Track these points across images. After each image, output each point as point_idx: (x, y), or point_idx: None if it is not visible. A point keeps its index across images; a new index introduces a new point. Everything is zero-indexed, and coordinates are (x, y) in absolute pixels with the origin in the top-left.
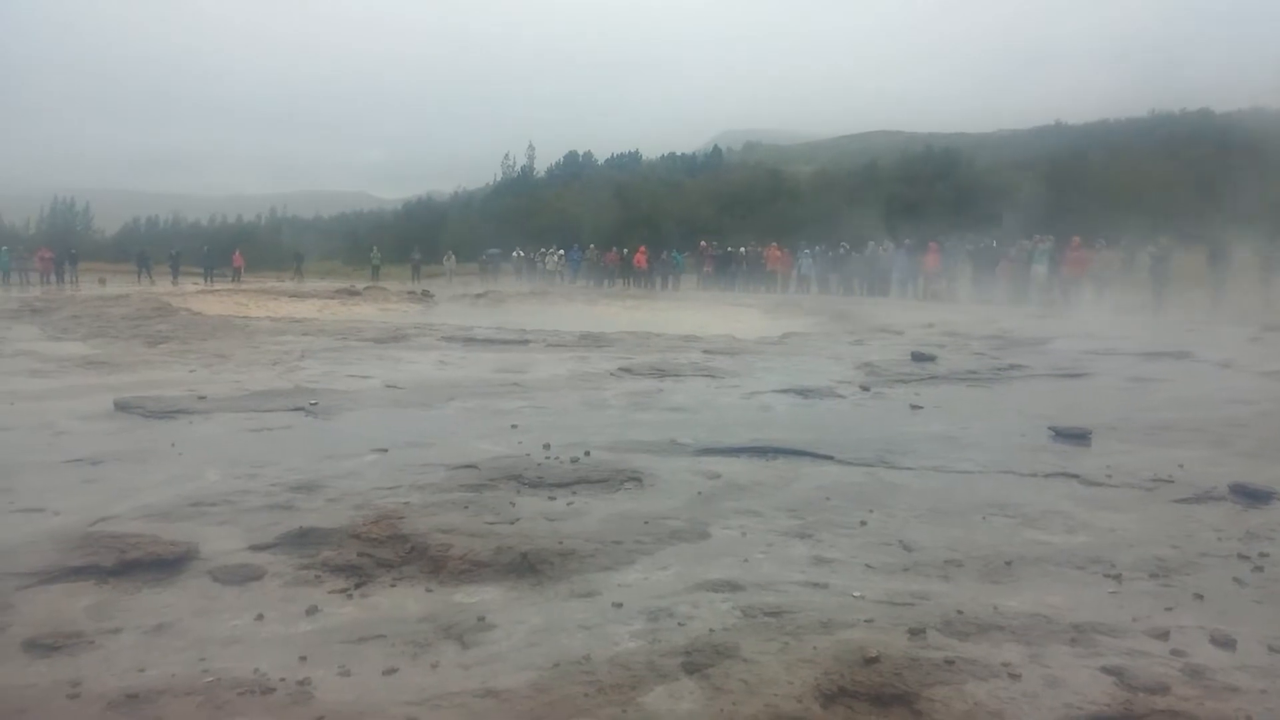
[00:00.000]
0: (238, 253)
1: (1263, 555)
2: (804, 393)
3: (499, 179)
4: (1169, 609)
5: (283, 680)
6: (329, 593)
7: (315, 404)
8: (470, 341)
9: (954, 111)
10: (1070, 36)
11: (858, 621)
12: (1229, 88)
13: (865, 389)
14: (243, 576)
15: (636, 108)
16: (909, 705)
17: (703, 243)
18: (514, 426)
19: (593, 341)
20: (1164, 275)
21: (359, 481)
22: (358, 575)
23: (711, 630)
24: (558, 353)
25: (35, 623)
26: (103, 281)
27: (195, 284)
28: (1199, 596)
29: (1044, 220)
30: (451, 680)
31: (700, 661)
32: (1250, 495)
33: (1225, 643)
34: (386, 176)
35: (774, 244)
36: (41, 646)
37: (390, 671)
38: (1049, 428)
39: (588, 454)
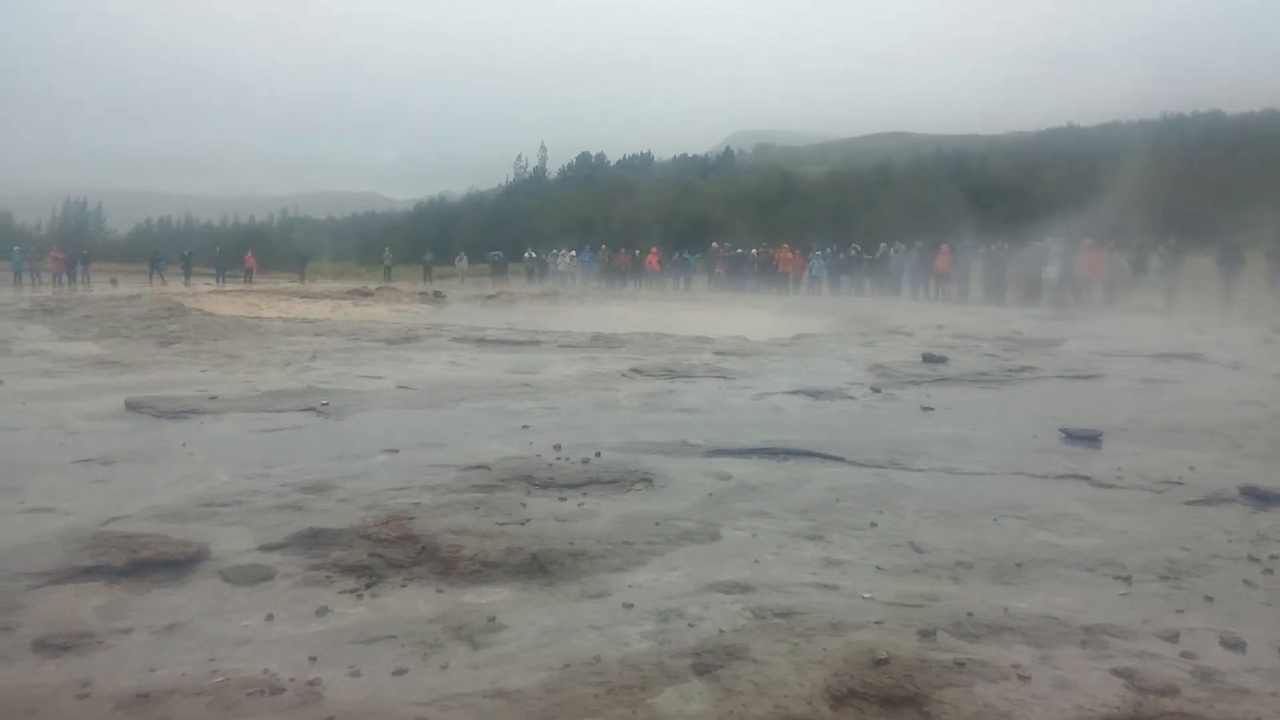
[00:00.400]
0: (250, 253)
1: (1273, 558)
2: (815, 394)
3: (511, 180)
4: (1179, 611)
5: (293, 680)
6: (339, 593)
7: (326, 404)
8: (482, 342)
9: (966, 113)
10: (1083, 39)
11: (868, 623)
12: (1241, 90)
13: (876, 390)
14: (253, 577)
15: (649, 109)
16: (919, 707)
17: (714, 244)
18: (525, 427)
19: (604, 342)
20: (1175, 277)
21: (370, 482)
22: (368, 576)
23: (722, 631)
24: (569, 353)
25: (46, 622)
26: (115, 282)
27: (207, 284)
28: (1209, 599)
29: (1055, 222)
30: (461, 681)
31: (710, 662)
32: (1261, 497)
33: (1235, 645)
34: (399, 177)
35: (785, 245)
36: (52, 646)
37: (400, 672)
38: (1060, 429)
39: (599, 455)
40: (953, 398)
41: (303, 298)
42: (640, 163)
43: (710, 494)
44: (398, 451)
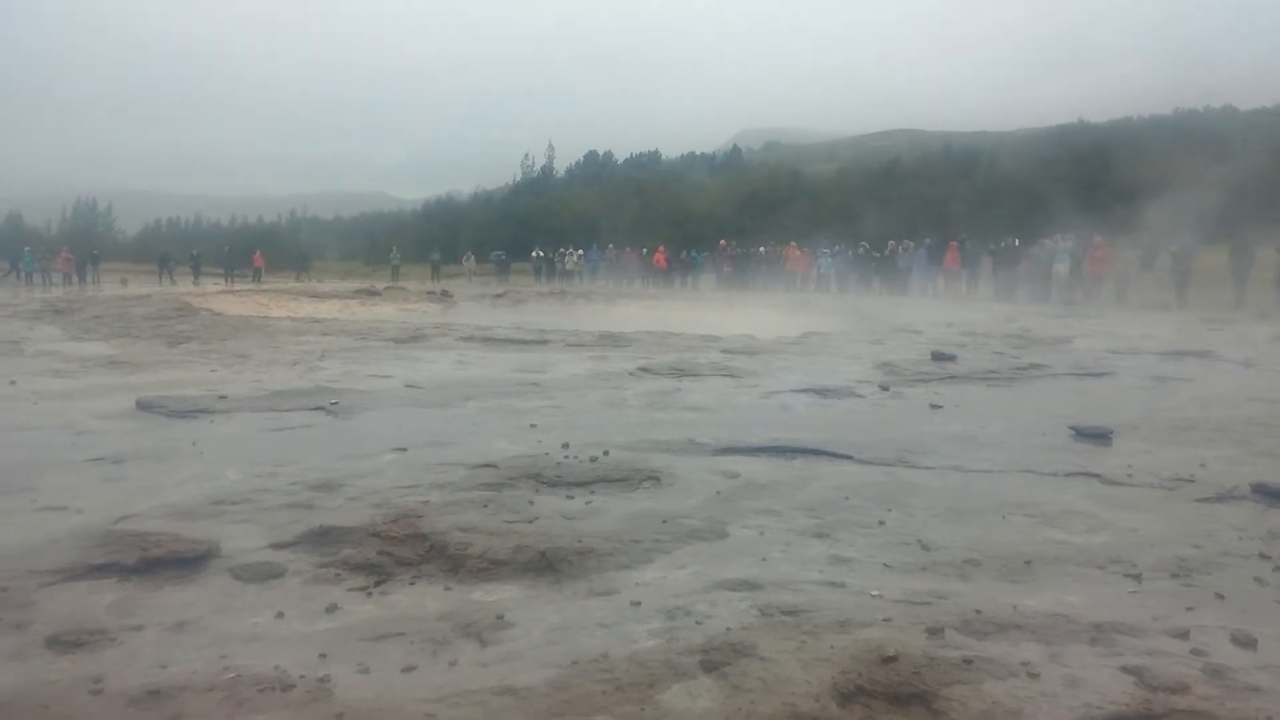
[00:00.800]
0: (258, 253)
1: None
2: (823, 392)
3: (518, 179)
4: (1190, 608)
5: (302, 677)
6: (348, 591)
7: (335, 404)
8: (489, 341)
9: (975, 110)
10: (1094, 34)
11: (875, 620)
12: (1254, 85)
13: (884, 388)
14: (263, 574)
15: (656, 107)
16: (927, 704)
17: (722, 242)
18: (533, 426)
19: (612, 341)
20: (1186, 274)
21: (378, 480)
22: (377, 573)
23: (729, 629)
24: (577, 352)
25: (58, 620)
26: (124, 282)
27: (216, 284)
28: (1220, 596)
29: (1066, 219)
30: (470, 678)
31: (718, 660)
32: (1272, 495)
33: (1246, 642)
34: (406, 177)
35: (793, 243)
36: (64, 643)
37: (409, 669)
38: (1069, 427)
39: (606, 453)
40: (962, 395)
41: (311, 297)
42: (648, 161)
43: (718, 492)
44: (406, 450)
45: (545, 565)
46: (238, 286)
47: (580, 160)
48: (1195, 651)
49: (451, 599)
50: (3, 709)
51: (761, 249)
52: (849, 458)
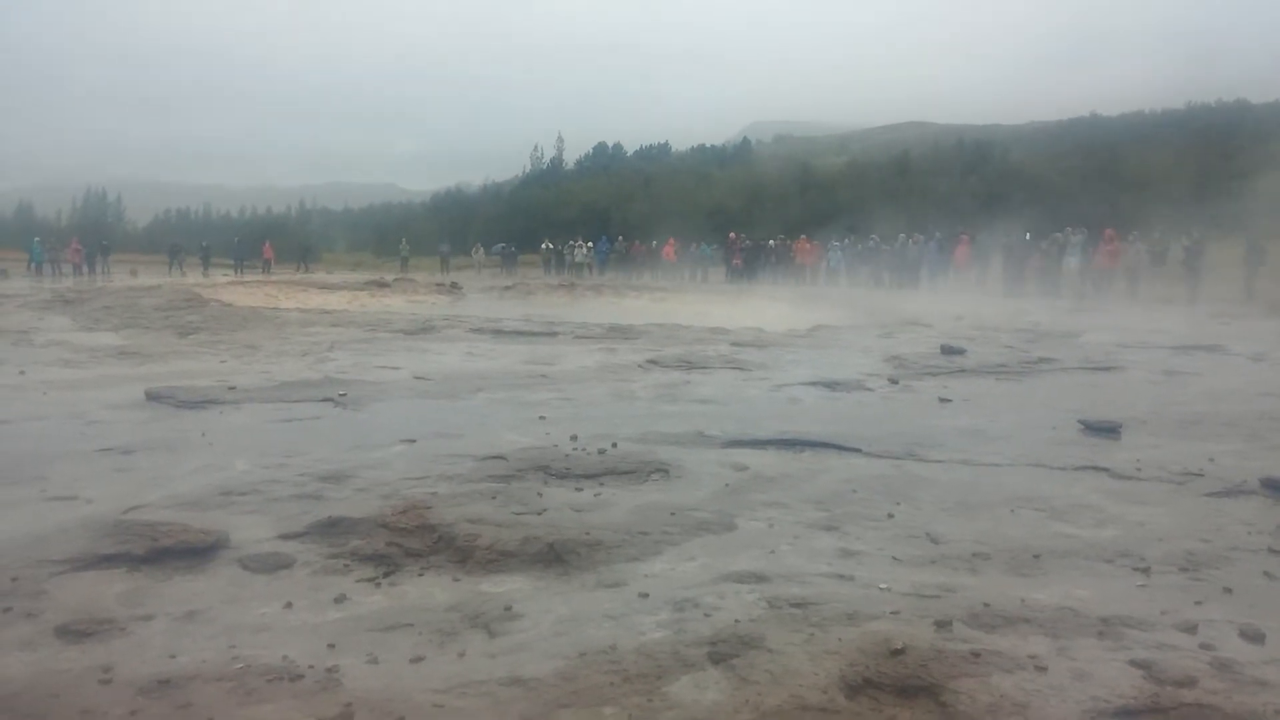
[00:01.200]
0: (268, 244)
1: None
2: (832, 385)
3: (528, 171)
4: (1198, 603)
5: (311, 667)
6: (357, 581)
7: (344, 395)
8: (499, 333)
9: (987, 103)
10: (1106, 27)
11: (883, 613)
12: (1267, 78)
13: (894, 382)
14: (272, 565)
15: (666, 99)
16: (934, 697)
17: (732, 235)
18: (542, 418)
19: (620, 334)
20: (1197, 268)
21: (387, 472)
22: (386, 564)
23: (737, 621)
24: (585, 345)
25: (68, 609)
26: (134, 272)
27: (226, 275)
28: (1228, 590)
29: (1077, 212)
30: (478, 669)
31: (726, 652)
32: None
33: (1254, 636)
34: (416, 168)
35: (803, 236)
36: (74, 633)
37: (417, 660)
38: (1079, 421)
39: (615, 445)
40: (971, 389)
41: (320, 289)
42: (657, 153)
43: (726, 485)
44: (415, 442)
45: (554, 557)
46: (247, 277)
47: (589, 152)
48: (1203, 645)
49: (460, 590)
50: (13, 698)
51: (771, 242)
52: (858, 451)
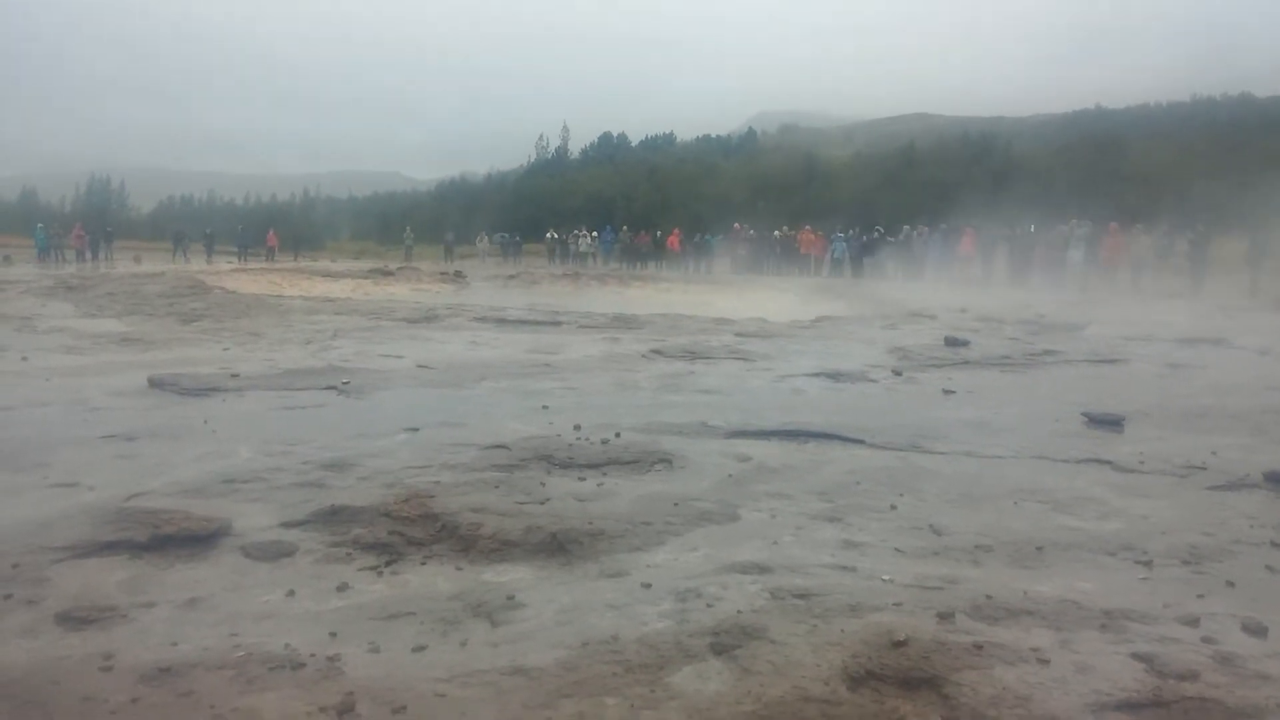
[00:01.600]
0: (272, 232)
1: None
2: (836, 376)
3: (533, 160)
4: (1200, 596)
5: (313, 656)
6: (359, 570)
7: (347, 383)
8: (502, 322)
9: (992, 95)
10: (1112, 20)
11: (886, 605)
12: (1272, 72)
13: (897, 373)
14: (274, 553)
15: (671, 89)
16: (936, 689)
17: (736, 225)
18: (545, 407)
19: (624, 323)
20: (1202, 261)
21: (390, 460)
22: (388, 553)
23: (740, 612)
24: (589, 334)
25: (69, 596)
26: (138, 259)
27: (229, 263)
28: (1231, 584)
29: (1081, 205)
30: (480, 658)
31: (728, 643)
32: None
33: (1257, 630)
34: (420, 157)
35: (808, 227)
36: (75, 620)
37: (420, 649)
38: (1082, 414)
39: (618, 435)
40: (975, 381)
41: (324, 277)
42: (662, 143)
43: (730, 475)
44: (418, 430)
45: (556, 546)
46: (251, 265)
47: (594, 142)
48: (1206, 639)
49: (462, 579)
50: (13, 685)
51: (776, 233)
52: (861, 442)
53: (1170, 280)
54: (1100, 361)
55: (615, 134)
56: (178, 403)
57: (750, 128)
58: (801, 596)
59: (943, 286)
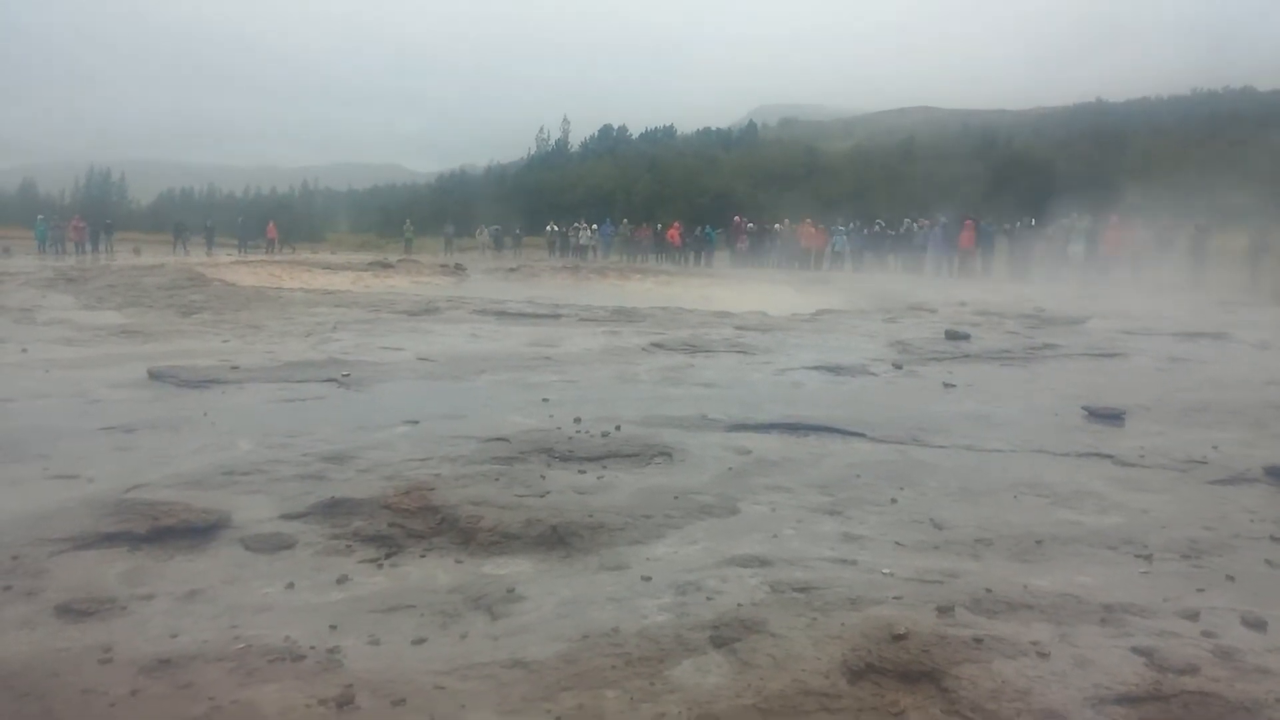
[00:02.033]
0: (272, 224)
1: None
2: (836, 370)
3: (533, 153)
4: (1200, 590)
5: (313, 648)
6: (359, 562)
7: (347, 375)
8: (502, 315)
9: (993, 88)
10: (1114, 13)
11: (886, 598)
12: (1274, 66)
13: (898, 367)
14: (274, 545)
15: (672, 82)
16: (936, 682)
17: (736, 218)
18: (545, 400)
19: (625, 316)
20: (1202, 255)
21: (390, 453)
22: (388, 545)
23: (740, 605)
24: (589, 327)
25: (68, 588)
26: (137, 251)
27: (229, 255)
28: (1231, 578)
29: (1082, 198)
30: (480, 651)
31: (728, 636)
32: None
33: (1257, 624)
34: (420, 150)
35: (808, 220)
36: (74, 612)
37: (419, 641)
38: (1083, 408)
39: (618, 428)
40: (975, 375)
41: (324, 269)
42: (663, 136)
43: (730, 468)
44: (418, 423)
45: (556, 539)
46: (251, 257)
47: (595, 135)
48: (1205, 633)
49: (462, 572)
50: (13, 677)
51: (776, 226)
52: (861, 435)
53: (1171, 274)
54: (1100, 355)
55: (616, 127)
56: (177, 395)
57: (751, 120)
58: (801, 590)
59: (943, 280)
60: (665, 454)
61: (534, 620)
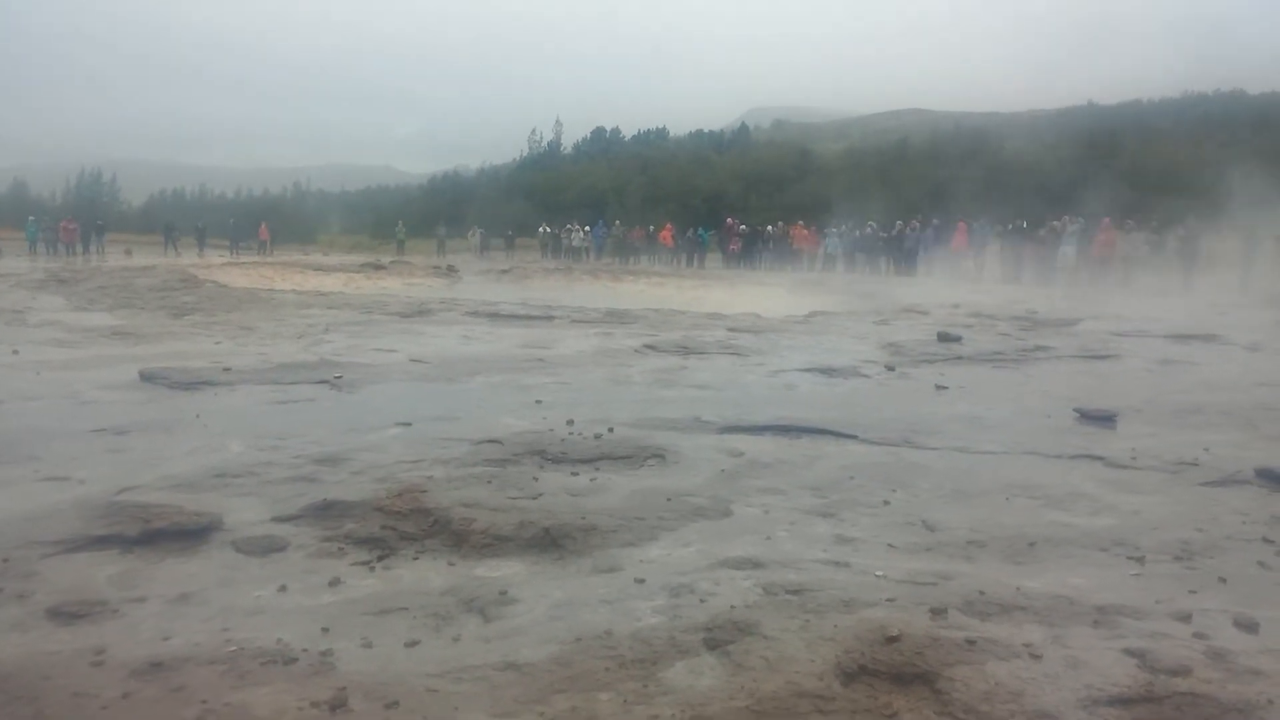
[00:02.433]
0: (264, 225)
1: None
2: (829, 372)
3: (525, 154)
4: (1192, 592)
5: (305, 651)
6: (351, 565)
7: (339, 377)
8: (495, 317)
9: (985, 90)
10: (1105, 16)
11: (879, 600)
12: (1264, 69)
13: (890, 369)
14: (266, 548)
15: (665, 83)
16: (930, 684)
17: (729, 220)
18: (538, 402)
19: (617, 318)
20: (1193, 257)
21: (383, 455)
22: (380, 548)
23: (733, 607)
24: (582, 329)
25: (59, 591)
26: (129, 252)
27: (221, 256)
28: (1223, 580)
29: (1073, 201)
30: (473, 653)
31: (721, 638)
32: (1276, 479)
33: (1249, 626)
34: (413, 151)
35: (801, 222)
36: (65, 614)
37: (412, 644)
38: (1074, 410)
39: (611, 430)
40: (967, 377)
41: (316, 270)
42: (655, 138)
43: (723, 470)
44: (411, 425)
45: (549, 542)
46: (243, 258)
47: (587, 136)
48: (1197, 634)
49: (455, 574)
50: (4, 680)
51: (769, 228)
52: (854, 437)
53: (1162, 276)
54: (1092, 357)
55: (608, 129)
56: (169, 397)
57: (743, 123)
58: (795, 592)
59: (935, 282)
60: (658, 456)
61: (527, 622)
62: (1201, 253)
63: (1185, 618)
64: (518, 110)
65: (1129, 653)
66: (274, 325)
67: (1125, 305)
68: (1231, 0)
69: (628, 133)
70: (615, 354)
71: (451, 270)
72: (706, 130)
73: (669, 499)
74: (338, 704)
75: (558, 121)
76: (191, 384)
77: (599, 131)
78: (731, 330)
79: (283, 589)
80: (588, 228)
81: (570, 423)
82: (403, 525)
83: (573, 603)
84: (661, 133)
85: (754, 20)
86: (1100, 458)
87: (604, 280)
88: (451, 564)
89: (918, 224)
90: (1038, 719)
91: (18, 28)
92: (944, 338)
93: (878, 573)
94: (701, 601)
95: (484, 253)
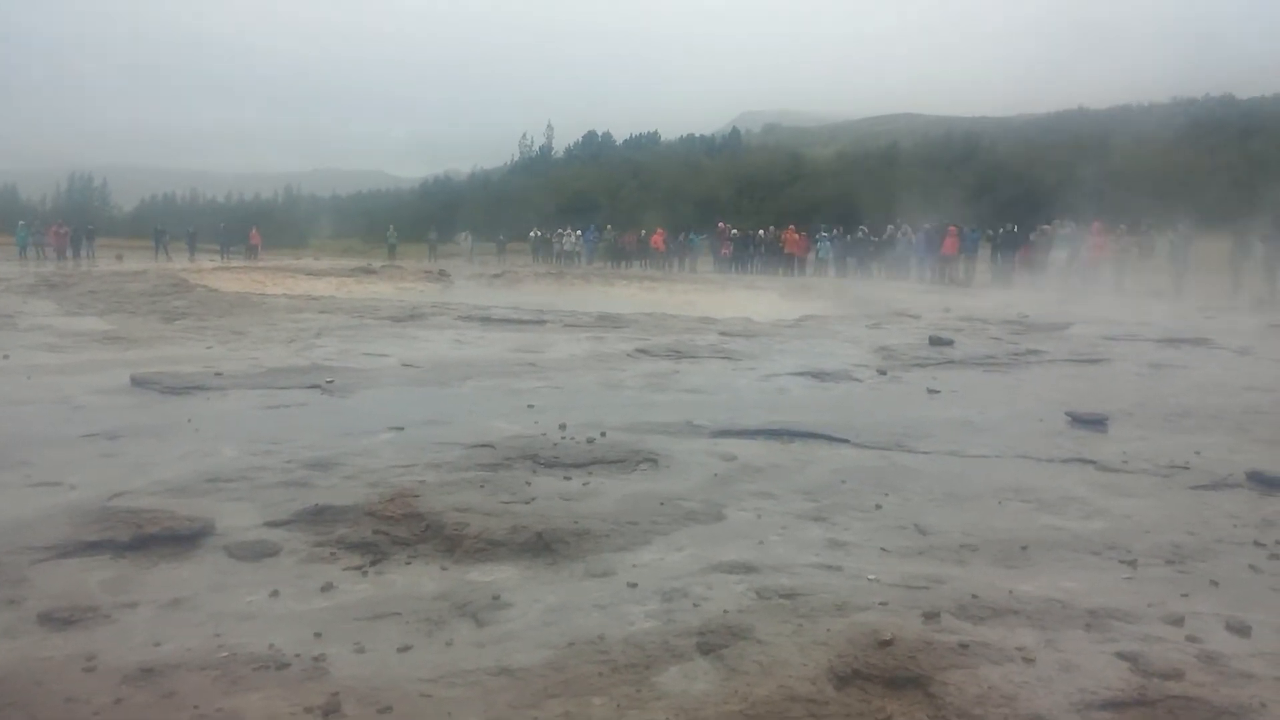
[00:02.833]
0: (255, 230)
1: (1279, 542)
2: (820, 376)
3: (516, 159)
4: (1184, 595)
5: (298, 656)
6: (344, 570)
7: (331, 382)
8: (487, 321)
9: (976, 95)
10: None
11: (872, 604)
12: (1254, 73)
13: (882, 373)
14: (258, 552)
15: (656, 88)
16: (923, 688)
17: (721, 224)
18: (530, 406)
19: (609, 322)
20: (1184, 261)
21: (375, 459)
22: (373, 553)
23: (726, 611)
24: (574, 333)
25: (51, 596)
26: (119, 257)
27: (212, 261)
28: (1215, 583)
29: (1064, 205)
30: (466, 658)
31: (715, 642)
32: (1267, 482)
33: (1240, 629)
34: (404, 155)
35: (792, 227)
36: (57, 620)
37: (405, 649)
38: (1066, 413)
39: (604, 434)
40: (959, 381)
41: (307, 275)
42: (647, 142)
43: (715, 474)
44: (403, 429)
45: (542, 546)
46: (234, 263)
47: (579, 141)
48: (1190, 638)
49: (448, 579)
50: None
51: (760, 232)
52: (846, 441)
53: (1153, 280)
54: (1083, 361)
55: (600, 133)
56: (160, 401)
57: (734, 127)
58: (787, 596)
59: (926, 286)
60: (651, 460)
61: (520, 627)
62: (1191, 257)
63: (1177, 621)
64: (509, 115)
65: (1121, 656)
66: (265, 330)
67: (1116, 309)
68: (1221, 6)
69: (619, 137)
70: (607, 358)
71: (443, 275)
72: (698, 134)
73: (662, 503)
74: (330, 709)
75: (549, 126)
76: (183, 389)
77: (590, 135)
78: (723, 334)
79: (275, 594)
80: (579, 232)
81: (563, 427)
82: (395, 530)
83: (566, 607)
84: (653, 137)
85: (745, 25)
86: (1092, 461)
87: (596, 284)
88: (444, 569)
89: (909, 228)
90: None
91: (7, 33)
92: (935, 342)
93: (870, 576)
94: (694, 606)
95: (474, 257)
